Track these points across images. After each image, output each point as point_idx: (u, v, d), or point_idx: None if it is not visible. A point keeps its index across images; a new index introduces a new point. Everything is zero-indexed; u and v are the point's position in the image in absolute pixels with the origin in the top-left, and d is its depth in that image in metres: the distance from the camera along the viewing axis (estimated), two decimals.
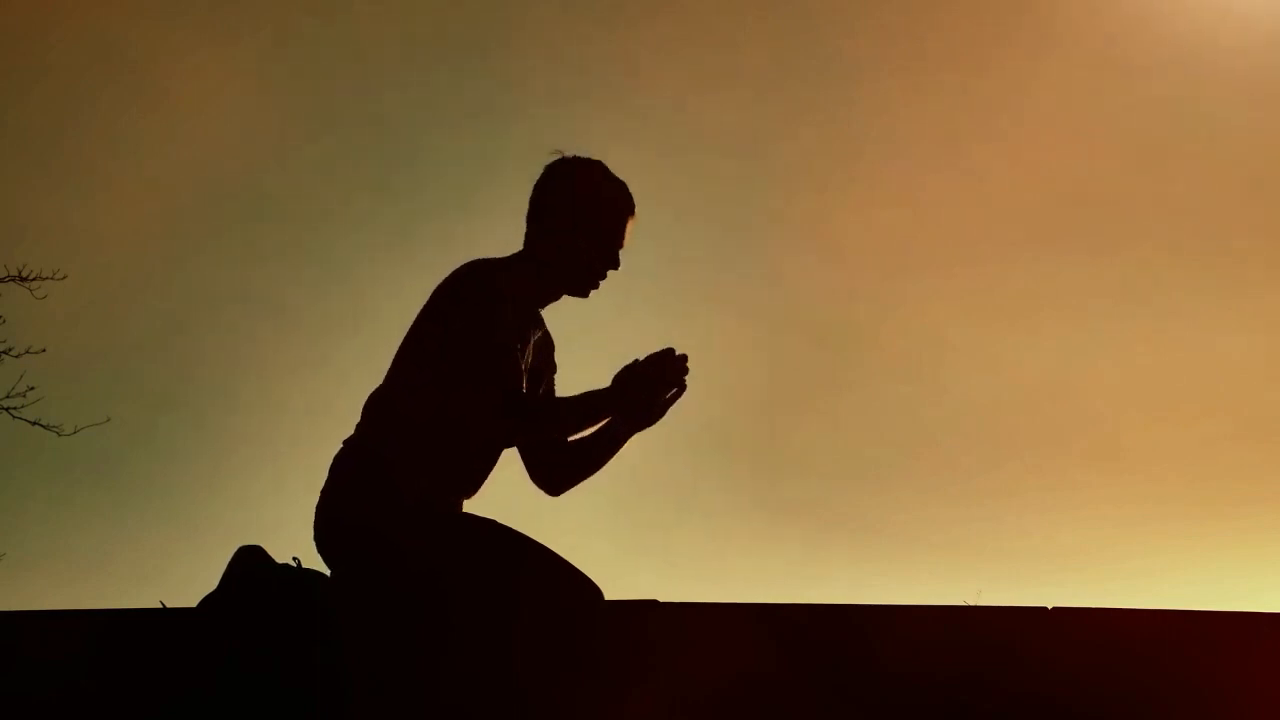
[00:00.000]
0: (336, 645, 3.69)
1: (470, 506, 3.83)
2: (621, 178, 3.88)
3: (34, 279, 14.76)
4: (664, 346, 3.71)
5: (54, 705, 3.92)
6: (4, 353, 14.83)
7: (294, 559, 3.79)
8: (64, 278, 14.84)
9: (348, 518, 3.67)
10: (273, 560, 3.78)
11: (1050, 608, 4.14)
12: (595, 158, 3.88)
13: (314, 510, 3.74)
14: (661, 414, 3.81)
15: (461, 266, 3.77)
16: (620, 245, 3.84)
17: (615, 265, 3.85)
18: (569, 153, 3.87)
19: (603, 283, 3.86)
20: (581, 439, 3.87)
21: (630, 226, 3.86)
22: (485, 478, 3.84)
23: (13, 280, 14.77)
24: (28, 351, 14.81)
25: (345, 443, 3.78)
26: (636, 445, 3.92)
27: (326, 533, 3.70)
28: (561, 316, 4.00)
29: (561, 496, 3.96)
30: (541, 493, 3.95)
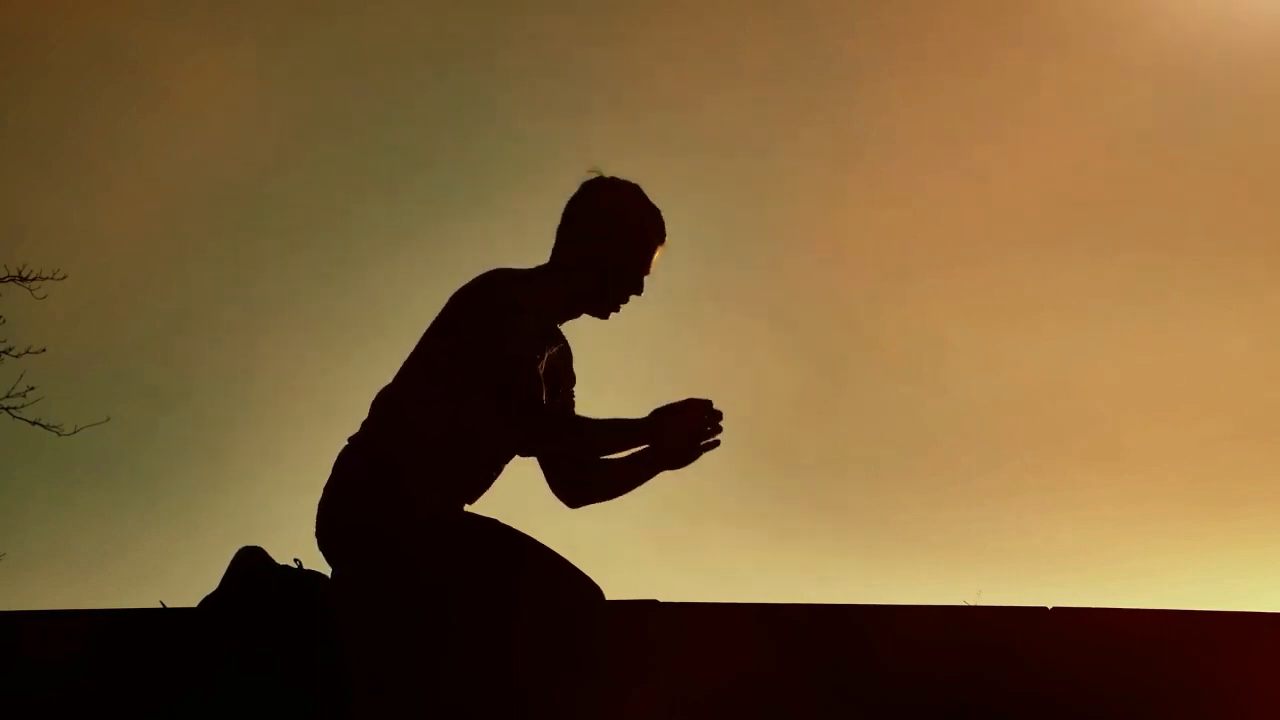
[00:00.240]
0: (337, 646, 3.69)
1: (472, 506, 3.83)
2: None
3: (34, 279, 14.74)
4: (704, 398, 3.73)
5: (54, 705, 3.92)
6: (4, 353, 14.82)
7: (295, 560, 3.79)
8: (64, 278, 14.83)
9: (352, 515, 3.67)
10: (274, 561, 3.78)
11: (1050, 608, 4.14)
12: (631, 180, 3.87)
13: (315, 508, 3.74)
14: (693, 459, 3.81)
15: (480, 275, 3.77)
16: (646, 271, 3.83)
17: (639, 290, 3.83)
18: (607, 173, 3.87)
19: (624, 306, 3.85)
20: (609, 465, 3.85)
21: (658, 255, 3.84)
22: (491, 484, 3.84)
23: (13, 280, 14.76)
24: (28, 351, 14.80)
25: (351, 440, 3.78)
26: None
27: (329, 530, 3.70)
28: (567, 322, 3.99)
29: None
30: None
